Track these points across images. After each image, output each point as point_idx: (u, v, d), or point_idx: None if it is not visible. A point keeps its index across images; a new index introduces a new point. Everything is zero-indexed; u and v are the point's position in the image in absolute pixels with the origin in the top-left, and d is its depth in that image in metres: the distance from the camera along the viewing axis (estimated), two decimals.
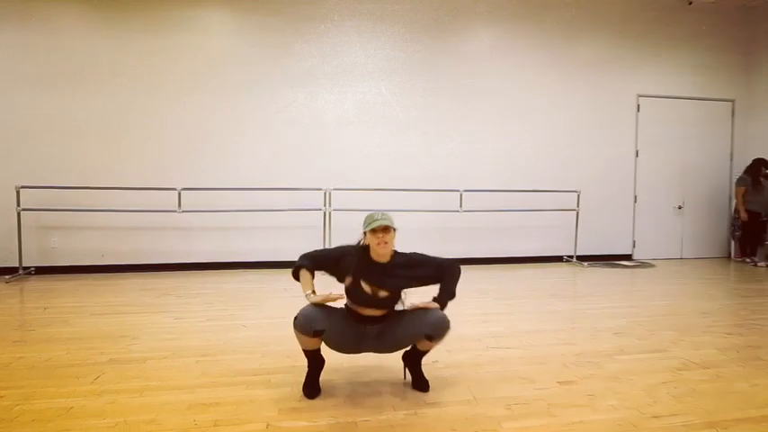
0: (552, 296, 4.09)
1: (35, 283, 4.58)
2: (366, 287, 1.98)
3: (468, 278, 4.89)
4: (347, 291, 2.05)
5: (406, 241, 5.87)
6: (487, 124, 5.92)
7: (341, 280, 2.06)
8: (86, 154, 5.14)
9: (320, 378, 2.08)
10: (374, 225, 1.92)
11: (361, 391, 2.06)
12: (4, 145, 5.02)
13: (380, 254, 1.98)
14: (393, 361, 2.37)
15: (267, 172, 5.48)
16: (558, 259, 6.19)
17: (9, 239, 4.96)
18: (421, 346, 2.03)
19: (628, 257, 6.40)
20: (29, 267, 5.03)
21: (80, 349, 2.61)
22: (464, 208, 5.62)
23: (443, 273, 2.03)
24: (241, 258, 5.47)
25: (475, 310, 3.58)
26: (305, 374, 2.07)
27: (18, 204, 4.84)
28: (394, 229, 1.98)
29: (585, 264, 5.93)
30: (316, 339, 1.94)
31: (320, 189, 5.36)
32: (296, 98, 5.51)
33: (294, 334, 1.99)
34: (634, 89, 6.33)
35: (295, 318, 1.92)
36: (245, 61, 5.41)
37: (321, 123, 5.57)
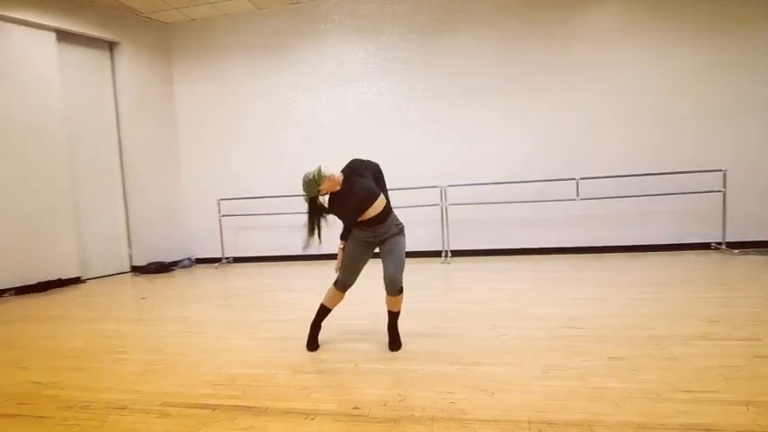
0: (663, 285, 3.93)
1: (233, 269, 6.29)
2: (348, 204, 2.56)
3: (576, 266, 4.91)
4: (346, 221, 2.67)
5: (518, 231, 6.06)
6: (605, 107, 5.68)
7: (342, 217, 2.67)
8: (265, 168, 6.73)
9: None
10: (316, 188, 2.53)
11: (422, 350, 2.65)
12: (209, 166, 6.93)
13: (333, 188, 2.58)
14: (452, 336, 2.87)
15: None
16: (706, 246, 5.57)
17: (215, 237, 6.84)
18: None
19: None
20: (228, 257, 6.87)
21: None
22: (581, 196, 5.55)
23: (378, 177, 2.67)
24: None
25: (564, 294, 3.75)
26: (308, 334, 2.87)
27: (219, 212, 6.67)
28: (326, 178, 2.52)
29: (736, 251, 5.23)
30: (340, 295, 2.76)
31: (436, 186, 5.95)
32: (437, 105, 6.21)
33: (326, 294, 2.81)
34: None
35: (335, 282, 2.76)
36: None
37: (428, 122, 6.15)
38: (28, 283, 5.36)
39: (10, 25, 5.31)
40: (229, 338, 3.16)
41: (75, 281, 5.85)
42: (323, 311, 2.85)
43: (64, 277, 5.71)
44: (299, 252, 6.59)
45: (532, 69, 5.81)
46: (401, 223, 2.74)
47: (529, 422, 1.81)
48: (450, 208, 5.97)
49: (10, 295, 5.18)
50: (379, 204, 2.60)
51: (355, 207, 2.57)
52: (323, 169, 2.55)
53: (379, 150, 6.36)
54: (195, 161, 7.03)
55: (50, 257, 5.60)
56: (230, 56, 6.74)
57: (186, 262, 6.78)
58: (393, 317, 2.78)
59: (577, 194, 5.52)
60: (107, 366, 2.75)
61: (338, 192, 2.60)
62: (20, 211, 5.36)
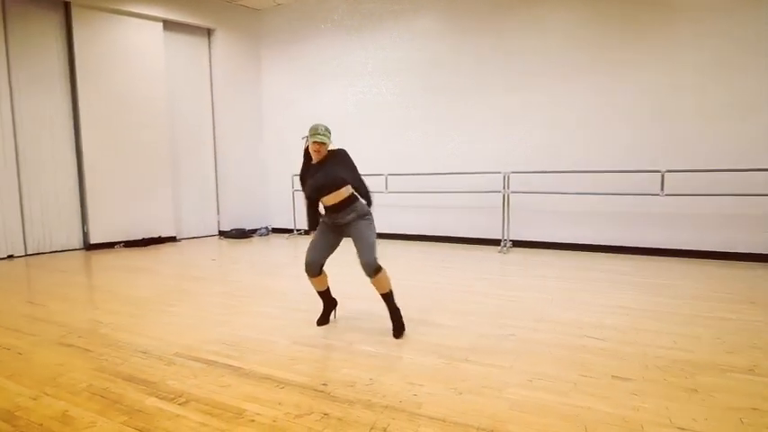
0: (740, 303, 3.31)
1: (303, 240, 6.74)
2: (312, 181, 2.67)
3: (644, 269, 4.34)
4: (305, 190, 2.74)
5: (589, 225, 5.65)
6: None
7: (302, 184, 2.78)
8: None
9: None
10: (314, 138, 2.62)
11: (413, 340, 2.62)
12: (286, 143, 7.42)
13: (315, 157, 2.68)
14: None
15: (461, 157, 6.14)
16: None
17: (288, 210, 7.34)
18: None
19: None
20: (300, 230, 7.36)
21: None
22: (666, 191, 4.83)
23: (360, 190, 2.76)
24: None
25: (609, 299, 3.37)
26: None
27: (292, 186, 7.13)
28: (329, 143, 2.66)
29: None
30: (320, 279, 2.83)
31: (499, 172, 5.65)
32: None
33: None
34: None
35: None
36: None
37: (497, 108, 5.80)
38: (134, 238, 6.38)
39: (125, 17, 6.19)
40: (261, 305, 3.45)
41: (172, 239, 6.79)
42: (318, 293, 2.98)
43: (163, 235, 6.67)
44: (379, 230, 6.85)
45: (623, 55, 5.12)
46: (366, 211, 2.76)
47: (478, 429, 1.73)
48: (515, 196, 5.65)
49: (119, 247, 6.22)
50: (341, 194, 2.68)
51: (317, 186, 2.68)
52: (331, 136, 2.71)
53: (453, 127, 6.23)
54: (275, 138, 7.57)
55: (152, 218, 6.57)
56: (315, 38, 7.03)
57: (263, 230, 7.43)
58: (386, 299, 2.78)
59: (662, 189, 4.82)
60: (154, 316, 3.21)
61: (317, 162, 2.71)
62: (129, 177, 6.35)
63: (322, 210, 2.82)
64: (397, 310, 2.80)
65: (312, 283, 2.89)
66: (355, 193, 2.77)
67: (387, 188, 6.31)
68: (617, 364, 2.29)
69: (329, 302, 3.01)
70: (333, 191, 2.67)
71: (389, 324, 2.92)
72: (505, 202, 5.62)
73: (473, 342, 2.62)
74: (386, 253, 5.56)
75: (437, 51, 6.17)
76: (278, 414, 1.87)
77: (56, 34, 5.84)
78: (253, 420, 1.82)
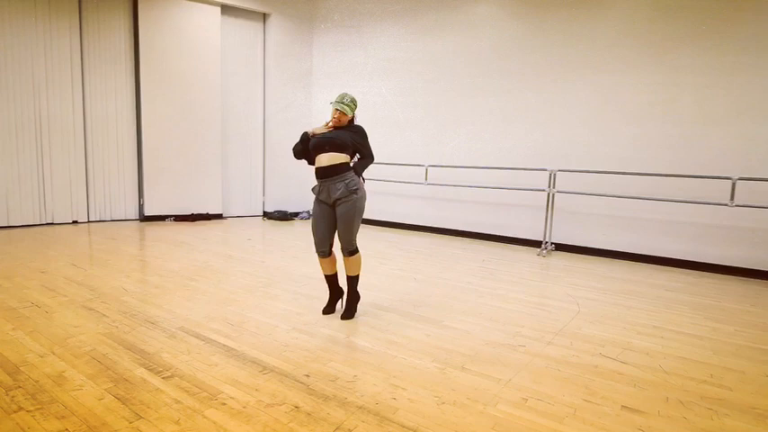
0: None
1: None
2: (319, 136, 2.74)
3: (716, 290, 3.84)
4: (305, 143, 2.83)
5: (656, 233, 5.23)
6: None
7: (305, 137, 2.84)
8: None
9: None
10: (336, 105, 2.74)
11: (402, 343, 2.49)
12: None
13: (334, 123, 2.76)
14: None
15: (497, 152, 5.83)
16: None
17: None
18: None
19: None
20: None
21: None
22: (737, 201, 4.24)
23: (364, 155, 2.80)
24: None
25: (652, 319, 3.01)
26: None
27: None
28: (350, 115, 2.75)
29: None
30: (330, 260, 2.83)
31: (545, 169, 5.28)
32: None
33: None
34: None
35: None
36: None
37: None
38: (184, 213, 6.74)
39: (185, 2, 6.46)
40: (277, 288, 3.48)
41: (219, 217, 7.10)
42: (326, 278, 2.93)
43: (210, 212, 6.99)
44: (409, 221, 6.77)
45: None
46: (355, 186, 2.72)
47: None
48: (562, 196, 5.26)
49: (169, 221, 6.60)
50: (337, 157, 2.69)
51: (323, 140, 2.73)
52: (354, 109, 2.80)
53: (500, 119, 5.93)
54: (323, 124, 7.61)
55: (202, 195, 6.90)
56: (368, 23, 6.96)
57: (305, 214, 7.56)
58: (350, 282, 2.85)
59: (731, 199, 4.24)
60: (175, 289, 3.34)
61: (333, 127, 2.77)
62: (183, 155, 6.69)
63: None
64: (356, 294, 2.89)
65: (321, 265, 2.88)
66: (350, 166, 2.77)
67: (426, 179, 6.14)
68: (632, 392, 2.03)
69: (336, 291, 2.96)
70: (333, 150, 2.70)
71: (395, 320, 2.83)
72: (550, 201, 5.25)
73: (476, 349, 2.45)
74: (424, 247, 5.43)
75: (493, 40, 5.85)
76: (250, 400, 1.85)
77: (124, 17, 6.24)
78: (224, 404, 1.81)
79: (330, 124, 2.77)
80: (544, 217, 5.33)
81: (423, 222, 6.59)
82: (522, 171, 5.58)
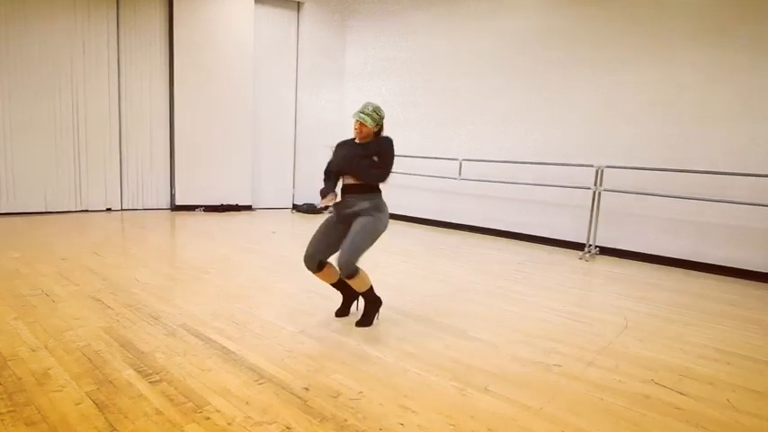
0: None
1: None
2: (347, 154, 2.47)
3: None
4: (331, 165, 2.55)
5: (719, 239, 4.75)
6: None
7: (333, 158, 2.57)
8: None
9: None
10: (355, 116, 2.43)
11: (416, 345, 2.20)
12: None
13: (355, 135, 2.49)
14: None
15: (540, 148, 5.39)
16: None
17: None
18: None
19: None
20: None
21: None
22: None
23: (379, 164, 2.43)
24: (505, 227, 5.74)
25: (711, 341, 2.58)
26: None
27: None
28: (371, 126, 2.41)
29: None
30: (323, 273, 2.51)
31: (591, 166, 4.80)
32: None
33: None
34: None
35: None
36: None
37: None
38: (213, 204, 6.72)
39: None
40: (291, 285, 3.28)
41: (248, 208, 7.04)
42: (333, 286, 2.67)
43: (240, 204, 6.95)
44: (439, 217, 6.46)
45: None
46: (381, 207, 2.47)
47: None
48: (609, 195, 4.78)
49: (199, 211, 6.60)
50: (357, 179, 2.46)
51: (344, 162, 2.47)
52: (378, 120, 2.46)
53: (541, 111, 5.50)
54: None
55: (231, 186, 6.85)
56: (402, 14, 6.65)
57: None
58: (363, 296, 2.56)
59: None
60: (187, 282, 3.21)
61: (358, 142, 2.49)
62: (214, 145, 6.66)
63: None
64: (374, 302, 2.56)
65: (320, 279, 2.58)
66: (379, 187, 2.50)
67: (460, 174, 5.79)
68: (664, 423, 1.66)
69: (349, 293, 2.71)
70: (355, 176, 2.45)
71: (412, 326, 2.56)
72: (596, 200, 4.78)
73: (503, 367, 2.13)
74: (452, 246, 5.11)
75: (534, 29, 5.41)
76: (237, 416, 1.63)
77: (160, 6, 6.25)
78: (208, 418, 1.61)
79: (356, 140, 2.52)
80: (588, 217, 4.87)
81: (454, 219, 6.24)
82: (563, 167, 5.13)
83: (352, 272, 2.35)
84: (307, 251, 2.52)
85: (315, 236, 2.54)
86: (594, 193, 4.78)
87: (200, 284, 3.17)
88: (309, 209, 7.15)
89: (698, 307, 3.24)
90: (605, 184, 4.75)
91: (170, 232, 5.10)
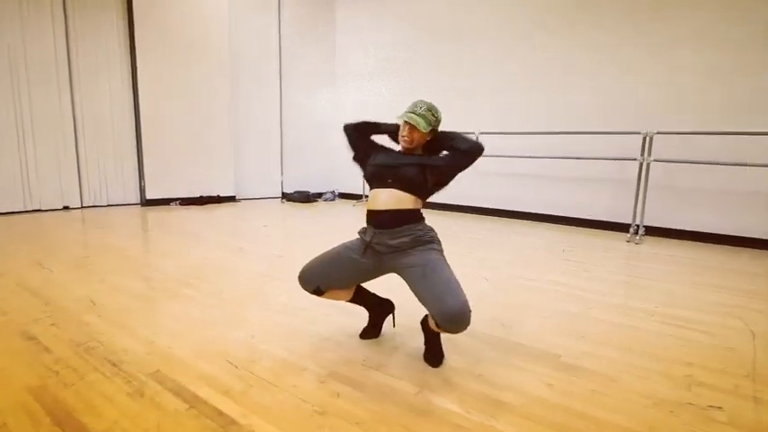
0: None
1: None
2: (381, 159, 1.78)
3: None
4: (367, 171, 1.82)
5: None
6: None
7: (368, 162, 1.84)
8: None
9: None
10: (404, 117, 1.72)
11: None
12: (358, 105, 6.38)
13: (404, 144, 1.76)
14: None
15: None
16: None
17: (356, 175, 6.39)
18: (431, 324, 1.64)
19: None
20: (367, 195, 6.40)
21: None
22: None
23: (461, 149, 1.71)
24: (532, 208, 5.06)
25: None
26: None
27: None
28: (425, 130, 1.70)
29: None
30: (329, 295, 1.80)
31: (639, 133, 4.12)
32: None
33: None
34: None
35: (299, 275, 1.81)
36: None
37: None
38: (190, 196, 5.84)
39: None
40: (301, 298, 2.49)
41: (231, 199, 6.19)
42: (349, 302, 1.93)
43: (222, 195, 6.08)
44: (456, 201, 5.72)
45: None
46: (430, 238, 1.70)
47: None
48: (659, 166, 4.13)
49: (175, 205, 5.71)
50: (402, 200, 1.68)
51: (378, 171, 1.75)
52: (434, 122, 1.75)
53: (574, 69, 4.79)
54: (346, 99, 6.59)
55: (211, 176, 5.98)
56: None
57: (329, 195, 6.59)
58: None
59: None
60: (159, 303, 2.40)
61: (405, 148, 1.78)
62: (188, 131, 5.75)
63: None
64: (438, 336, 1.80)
65: (328, 298, 1.84)
66: (421, 214, 1.74)
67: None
68: None
69: (378, 307, 1.97)
70: (398, 186, 1.68)
71: (485, 352, 1.85)
72: (642, 173, 4.11)
73: (646, 417, 1.42)
74: (482, 233, 4.39)
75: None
76: None
77: None
78: None
79: (401, 149, 1.81)
80: (635, 193, 4.21)
81: (476, 203, 5.53)
82: (599, 136, 4.45)
83: (469, 318, 1.51)
84: (305, 273, 1.79)
85: (323, 261, 1.79)
86: (641, 164, 4.12)
87: (180, 304, 2.37)
88: (302, 198, 6.33)
89: None
90: (654, 155, 4.09)
91: (139, 232, 4.24)
